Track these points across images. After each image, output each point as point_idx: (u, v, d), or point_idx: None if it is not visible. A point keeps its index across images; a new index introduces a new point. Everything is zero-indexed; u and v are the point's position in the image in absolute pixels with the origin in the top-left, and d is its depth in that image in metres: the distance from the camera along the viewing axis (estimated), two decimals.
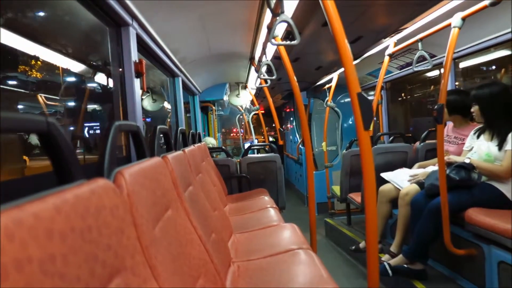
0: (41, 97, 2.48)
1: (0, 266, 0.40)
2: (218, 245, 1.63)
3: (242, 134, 8.19)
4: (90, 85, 2.78)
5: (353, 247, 3.33)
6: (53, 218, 0.52)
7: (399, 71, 4.12)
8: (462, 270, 2.29)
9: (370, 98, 5.02)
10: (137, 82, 1.95)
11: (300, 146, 6.65)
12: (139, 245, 0.81)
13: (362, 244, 3.25)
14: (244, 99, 5.62)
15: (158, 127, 1.52)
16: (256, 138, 7.07)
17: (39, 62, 2.11)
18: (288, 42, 1.84)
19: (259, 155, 4.40)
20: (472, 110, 2.43)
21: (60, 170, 0.66)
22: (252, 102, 6.26)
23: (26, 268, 0.44)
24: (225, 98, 5.71)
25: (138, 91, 1.96)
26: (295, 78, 2.32)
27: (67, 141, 0.64)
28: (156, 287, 0.80)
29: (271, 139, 10.23)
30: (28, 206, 0.48)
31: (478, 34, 2.70)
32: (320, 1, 1.35)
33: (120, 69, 1.91)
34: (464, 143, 2.66)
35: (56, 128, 0.62)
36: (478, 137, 2.40)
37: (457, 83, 3.32)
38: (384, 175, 2.91)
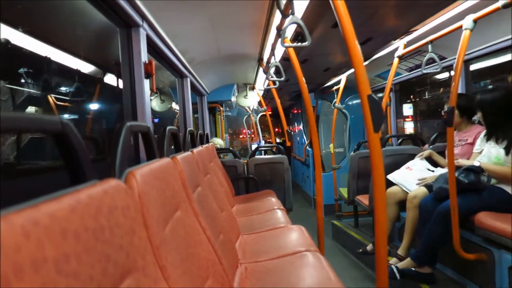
0: (51, 98, 2.50)
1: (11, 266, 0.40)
2: (226, 246, 1.63)
3: (249, 135, 8.19)
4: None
5: (360, 250, 3.31)
6: (68, 218, 0.52)
7: (408, 73, 4.09)
8: (471, 274, 2.26)
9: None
10: (146, 83, 1.96)
11: (308, 147, 6.63)
12: (150, 245, 0.81)
13: (369, 247, 3.23)
14: (251, 100, 5.62)
15: (168, 128, 1.53)
16: (263, 139, 7.06)
17: None
18: (299, 44, 1.84)
19: (267, 156, 4.40)
20: (478, 115, 2.42)
21: (73, 170, 0.66)
22: (259, 103, 6.25)
23: (41, 268, 0.44)
24: (233, 99, 5.71)
25: (147, 91, 1.97)
26: (303, 79, 2.32)
27: (81, 142, 0.65)
28: None
29: (278, 140, 10.23)
30: (44, 206, 0.49)
31: (490, 36, 2.67)
32: (331, 3, 1.34)
33: (130, 70, 1.92)
34: (468, 144, 2.66)
35: (70, 128, 0.63)
36: (487, 140, 2.38)
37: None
38: (391, 177, 2.89)
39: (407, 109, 5.92)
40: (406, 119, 5.85)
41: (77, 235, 0.53)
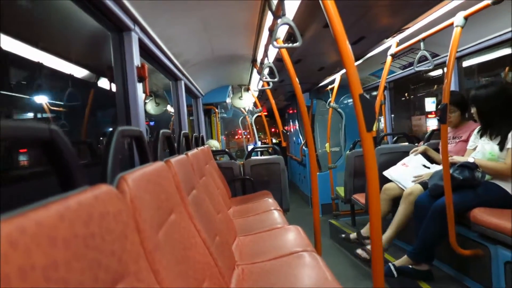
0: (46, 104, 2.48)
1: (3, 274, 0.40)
2: (222, 248, 1.63)
3: (245, 136, 8.19)
4: None
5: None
6: (56, 226, 0.52)
7: (402, 71, 4.11)
8: (468, 270, 2.27)
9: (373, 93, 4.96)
10: (139, 87, 1.95)
11: (304, 147, 6.64)
12: (143, 250, 0.81)
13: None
14: (247, 101, 5.62)
15: (161, 131, 1.53)
16: (259, 140, 7.06)
17: None
18: (290, 45, 1.84)
19: (263, 157, 4.40)
20: (472, 111, 2.44)
21: (63, 177, 0.66)
22: (255, 104, 6.25)
23: (29, 276, 0.44)
24: (228, 100, 5.71)
25: (141, 95, 1.96)
26: (297, 80, 2.32)
27: (70, 148, 0.65)
28: None
29: (274, 140, 10.22)
30: (32, 214, 0.49)
31: (481, 32, 2.69)
32: (321, 3, 1.35)
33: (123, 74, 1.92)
34: (462, 141, 2.68)
35: (58, 135, 0.63)
36: (481, 136, 2.40)
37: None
38: (387, 173, 2.90)
39: (430, 104, 5.12)
40: (429, 116, 5.19)
41: (66, 242, 0.53)
